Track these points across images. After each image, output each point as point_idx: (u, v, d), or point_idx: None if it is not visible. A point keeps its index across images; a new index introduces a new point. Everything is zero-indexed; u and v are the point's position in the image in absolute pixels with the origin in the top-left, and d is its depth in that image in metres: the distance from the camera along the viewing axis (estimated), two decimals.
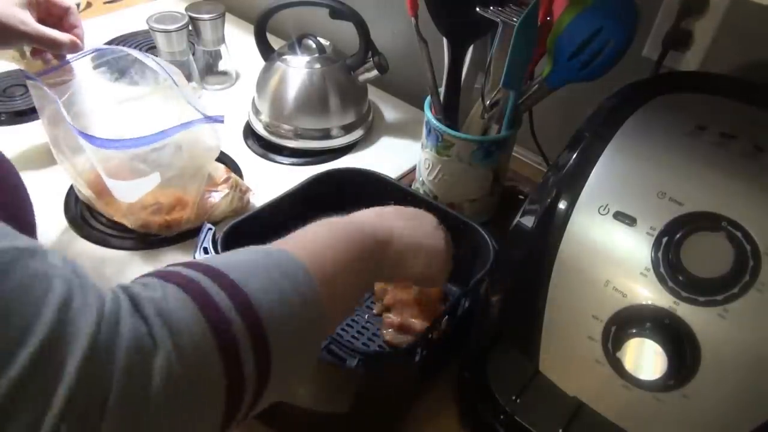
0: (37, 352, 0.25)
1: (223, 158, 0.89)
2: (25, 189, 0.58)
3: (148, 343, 0.29)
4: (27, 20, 0.58)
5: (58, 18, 0.66)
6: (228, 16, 1.04)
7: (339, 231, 0.44)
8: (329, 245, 0.42)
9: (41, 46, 0.60)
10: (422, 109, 0.74)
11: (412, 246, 0.50)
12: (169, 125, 0.65)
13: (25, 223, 0.55)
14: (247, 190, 0.79)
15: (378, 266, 0.46)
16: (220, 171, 0.77)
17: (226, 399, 0.32)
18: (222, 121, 0.68)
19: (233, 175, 0.77)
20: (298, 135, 0.91)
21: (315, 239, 0.42)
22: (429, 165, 0.76)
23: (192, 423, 0.30)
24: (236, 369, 0.32)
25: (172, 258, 0.73)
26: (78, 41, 0.66)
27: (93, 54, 0.70)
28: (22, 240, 0.28)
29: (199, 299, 0.32)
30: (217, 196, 0.75)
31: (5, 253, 0.27)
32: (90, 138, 0.62)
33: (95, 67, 0.71)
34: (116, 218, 0.74)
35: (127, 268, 0.72)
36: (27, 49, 0.79)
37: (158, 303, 0.31)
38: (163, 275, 0.34)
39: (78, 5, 1.28)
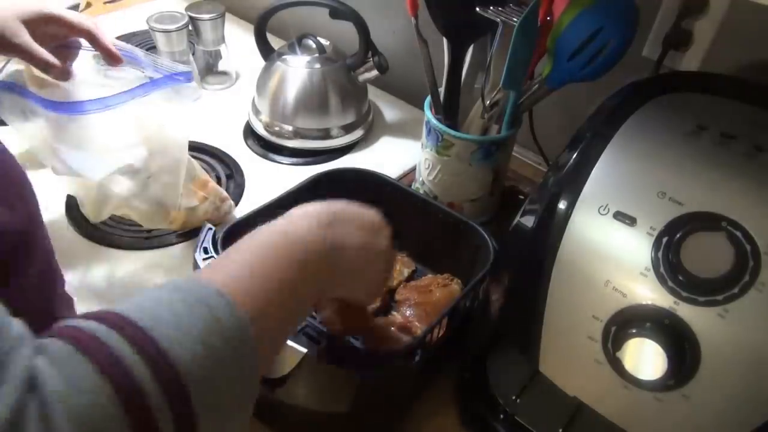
0: None
1: (224, 158, 0.89)
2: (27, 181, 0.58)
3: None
4: (20, 33, 0.59)
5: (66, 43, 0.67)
6: (228, 16, 1.04)
7: (272, 249, 0.38)
8: (261, 272, 0.36)
9: (30, 62, 0.61)
10: (422, 109, 0.74)
11: (358, 269, 0.44)
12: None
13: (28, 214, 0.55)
14: (226, 199, 0.77)
15: (318, 285, 0.40)
16: (201, 176, 0.74)
17: None
18: (190, 80, 0.66)
19: (212, 182, 0.75)
20: (298, 135, 0.91)
21: (244, 263, 0.36)
22: (429, 165, 0.76)
23: None
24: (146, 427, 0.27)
25: (173, 257, 0.73)
26: (69, 71, 0.64)
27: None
28: None
29: (99, 359, 0.27)
30: (195, 202, 0.72)
31: None
32: (49, 103, 0.61)
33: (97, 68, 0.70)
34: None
35: (128, 267, 0.72)
36: None
37: (63, 395, 0.25)
38: (76, 339, 0.28)
39: (78, 5, 1.28)
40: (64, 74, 0.64)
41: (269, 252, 0.37)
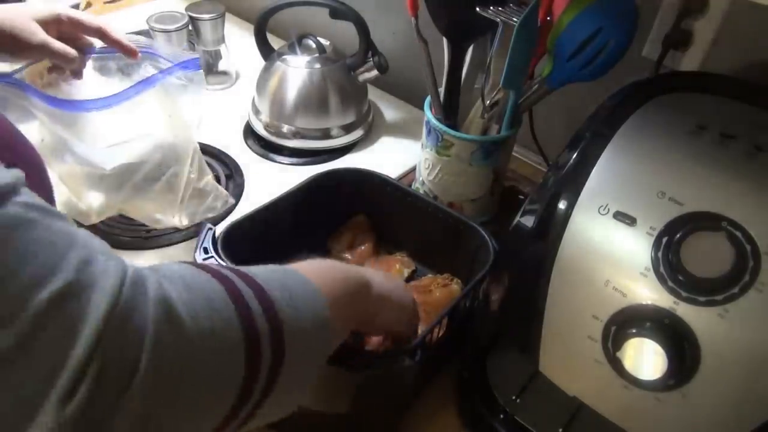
0: (58, 292, 0.26)
1: (224, 158, 0.89)
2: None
3: (175, 311, 0.29)
4: (38, 32, 0.61)
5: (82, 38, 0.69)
6: (228, 16, 1.04)
7: (338, 267, 0.48)
8: (335, 276, 0.44)
9: (51, 57, 0.64)
10: (422, 109, 0.74)
11: (386, 295, 0.51)
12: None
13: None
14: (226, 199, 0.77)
15: (364, 307, 0.48)
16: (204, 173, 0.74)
17: (242, 385, 0.32)
18: (198, 68, 0.67)
19: (211, 178, 0.74)
20: (298, 135, 0.91)
21: (321, 268, 0.45)
22: (429, 165, 0.76)
23: (206, 403, 0.31)
24: (255, 358, 0.33)
25: (173, 257, 0.73)
26: (82, 69, 0.68)
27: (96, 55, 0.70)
28: (50, 205, 0.30)
29: (229, 288, 0.33)
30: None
31: (33, 209, 0.27)
32: (60, 103, 0.62)
33: (98, 69, 0.70)
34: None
35: None
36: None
37: (186, 278, 0.32)
38: (193, 264, 0.35)
39: (78, 5, 1.28)
40: (80, 70, 0.67)
41: (338, 268, 0.47)
